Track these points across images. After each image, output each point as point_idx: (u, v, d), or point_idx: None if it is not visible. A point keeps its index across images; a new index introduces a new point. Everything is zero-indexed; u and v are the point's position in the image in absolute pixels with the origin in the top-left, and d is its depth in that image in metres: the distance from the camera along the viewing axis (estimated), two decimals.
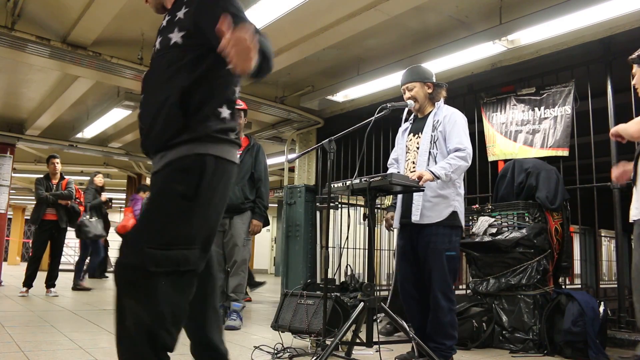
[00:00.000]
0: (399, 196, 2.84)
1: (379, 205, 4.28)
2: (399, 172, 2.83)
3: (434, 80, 2.80)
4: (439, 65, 4.50)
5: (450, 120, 2.66)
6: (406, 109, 2.91)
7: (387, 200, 3.93)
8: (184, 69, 1.48)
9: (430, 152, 2.66)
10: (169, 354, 1.47)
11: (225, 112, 1.52)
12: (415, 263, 2.69)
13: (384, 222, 3.86)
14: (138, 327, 1.38)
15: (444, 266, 2.57)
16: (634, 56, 2.72)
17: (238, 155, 1.63)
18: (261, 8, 3.79)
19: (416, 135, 2.77)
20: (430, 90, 2.76)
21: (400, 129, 2.95)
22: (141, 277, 1.36)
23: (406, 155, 2.80)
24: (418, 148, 2.72)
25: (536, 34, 3.95)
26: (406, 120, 2.94)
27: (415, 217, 2.63)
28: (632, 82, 2.71)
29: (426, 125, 2.72)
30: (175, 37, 1.51)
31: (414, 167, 2.69)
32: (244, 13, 1.53)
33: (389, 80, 5.07)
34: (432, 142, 2.66)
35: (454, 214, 2.62)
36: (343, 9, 4.02)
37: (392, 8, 3.87)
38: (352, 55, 5.12)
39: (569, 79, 4.21)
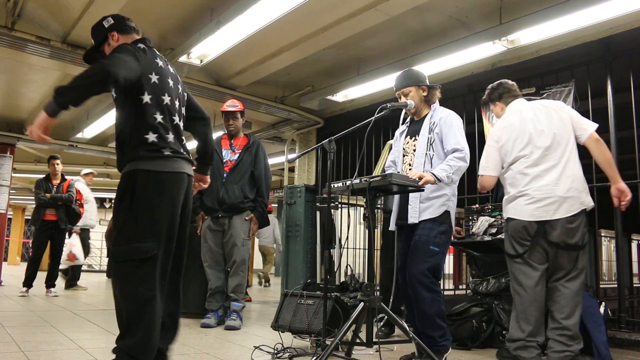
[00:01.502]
0: (395, 198, 2.86)
1: (379, 206, 4.27)
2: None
3: (428, 83, 2.83)
4: (438, 65, 4.49)
5: (446, 122, 2.69)
6: (404, 110, 2.93)
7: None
8: (120, 113, 2.05)
9: (426, 154, 2.69)
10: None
11: (152, 137, 1.97)
12: None
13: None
14: (118, 300, 1.94)
15: (424, 255, 2.57)
16: (484, 98, 2.96)
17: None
18: (261, 8, 3.78)
19: (413, 138, 2.80)
20: (425, 93, 2.80)
21: (397, 131, 2.98)
22: (114, 266, 1.98)
23: (403, 158, 2.83)
24: (415, 150, 2.75)
25: (536, 34, 3.95)
26: (403, 121, 2.96)
27: (412, 219, 2.66)
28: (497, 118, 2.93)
29: (423, 127, 2.75)
30: (112, 93, 2.05)
31: (410, 169, 2.73)
32: (121, 61, 1.87)
33: (389, 80, 5.05)
34: (429, 144, 2.70)
35: (446, 213, 2.65)
36: (343, 9, 4.01)
37: (392, 8, 3.87)
38: (352, 55, 5.12)
39: (569, 79, 4.20)
